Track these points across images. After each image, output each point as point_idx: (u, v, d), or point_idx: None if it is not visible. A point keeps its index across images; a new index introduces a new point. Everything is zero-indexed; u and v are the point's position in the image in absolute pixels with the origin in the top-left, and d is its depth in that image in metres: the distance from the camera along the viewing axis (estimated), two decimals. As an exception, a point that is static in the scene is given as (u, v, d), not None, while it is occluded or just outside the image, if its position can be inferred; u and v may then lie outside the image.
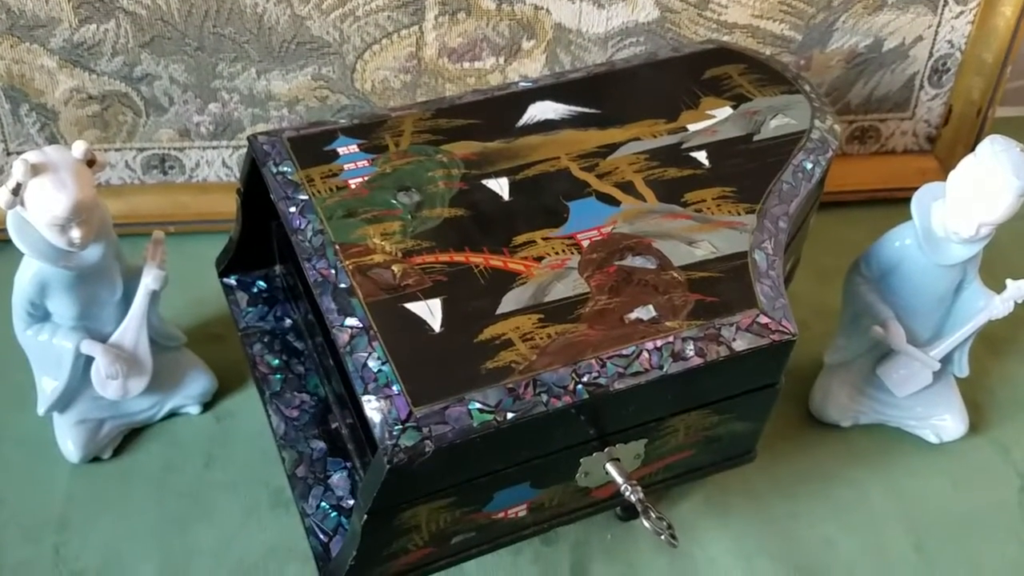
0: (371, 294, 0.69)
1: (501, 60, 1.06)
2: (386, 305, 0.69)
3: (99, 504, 0.86)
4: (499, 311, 0.69)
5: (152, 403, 0.90)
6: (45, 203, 0.74)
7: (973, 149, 0.82)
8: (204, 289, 1.01)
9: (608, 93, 0.87)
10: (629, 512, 0.86)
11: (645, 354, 0.66)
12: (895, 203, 1.16)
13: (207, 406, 0.94)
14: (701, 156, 0.82)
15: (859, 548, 0.88)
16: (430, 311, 0.69)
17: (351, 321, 0.67)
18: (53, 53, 0.99)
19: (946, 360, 0.92)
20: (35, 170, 0.74)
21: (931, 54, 1.13)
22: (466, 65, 1.06)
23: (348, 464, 0.76)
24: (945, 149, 1.20)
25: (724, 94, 0.88)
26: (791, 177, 0.81)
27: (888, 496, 0.92)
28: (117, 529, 0.85)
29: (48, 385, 0.86)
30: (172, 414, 0.93)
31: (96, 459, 0.89)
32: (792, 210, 0.79)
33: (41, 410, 0.86)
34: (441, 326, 0.68)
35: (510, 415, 0.63)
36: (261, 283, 0.90)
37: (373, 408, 0.63)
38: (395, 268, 0.71)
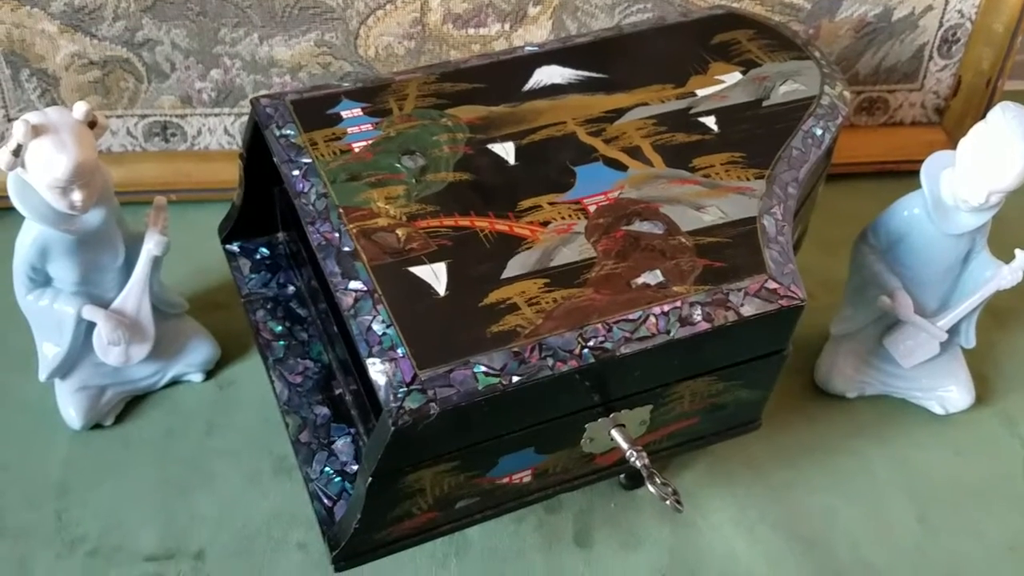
0: (375, 258, 0.68)
1: (506, 26, 1.04)
2: (391, 269, 0.68)
3: (100, 471, 0.86)
4: (504, 275, 0.68)
5: (154, 370, 0.90)
6: (46, 165, 0.73)
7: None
8: (206, 258, 1.01)
9: (615, 58, 0.86)
10: (633, 481, 0.85)
11: (652, 319, 0.66)
12: (902, 175, 1.15)
13: (209, 374, 0.93)
14: (710, 121, 0.81)
15: (861, 518, 0.87)
16: (435, 275, 0.68)
17: (355, 284, 0.67)
18: (54, 17, 0.98)
19: (953, 331, 0.91)
20: (36, 131, 0.73)
21: (941, 24, 1.12)
22: (471, 31, 1.04)
23: (352, 430, 0.76)
24: (953, 121, 1.19)
25: (733, 59, 0.87)
26: (801, 143, 0.80)
27: (892, 467, 0.91)
28: (118, 495, 0.84)
29: (49, 351, 0.85)
30: (174, 382, 0.92)
31: (97, 426, 0.89)
32: (802, 176, 0.78)
33: (42, 376, 0.86)
34: (446, 290, 0.67)
35: (515, 379, 0.62)
36: (264, 250, 0.89)
37: (378, 371, 0.62)
38: (399, 232, 0.70)
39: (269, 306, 0.85)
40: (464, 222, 0.72)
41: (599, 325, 0.65)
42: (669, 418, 0.73)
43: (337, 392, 0.79)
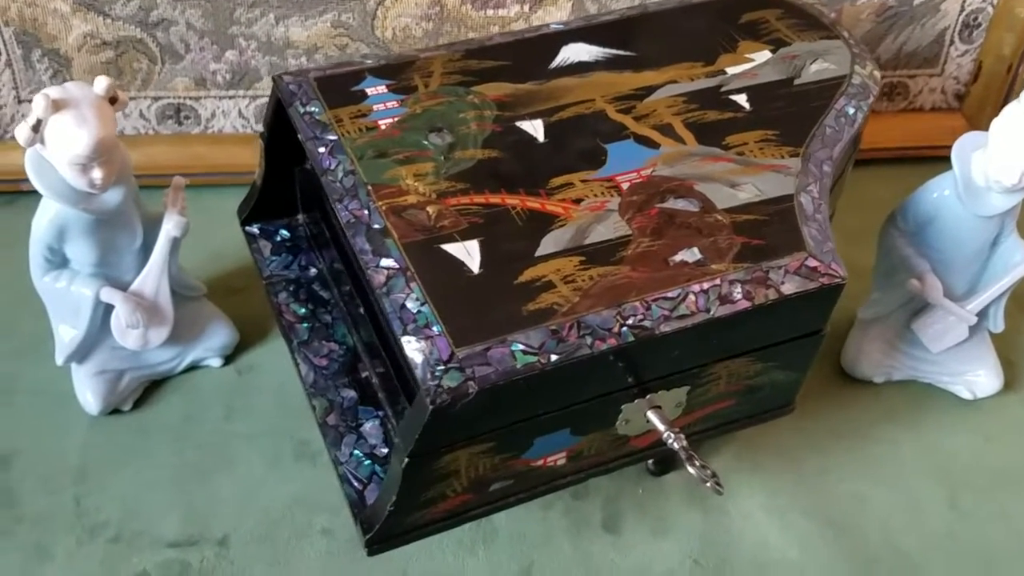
0: (406, 235, 0.67)
1: (526, 7, 1.03)
2: (422, 246, 0.66)
3: (119, 456, 0.84)
4: (538, 253, 0.67)
5: (173, 355, 0.88)
6: (66, 140, 0.71)
7: (1003, 107, 0.80)
8: (222, 242, 0.99)
9: (642, 36, 0.85)
10: (661, 466, 0.84)
11: (691, 296, 0.64)
12: (922, 161, 1.14)
13: (228, 359, 0.92)
14: (741, 99, 0.79)
15: (892, 504, 0.86)
16: (467, 252, 0.66)
17: (387, 262, 0.65)
18: (67, -4, 0.97)
19: (981, 315, 0.90)
20: (56, 106, 0.71)
21: (962, 8, 1.11)
22: (489, 12, 1.03)
23: (380, 413, 0.74)
24: (974, 107, 1.17)
25: (762, 38, 0.86)
26: (834, 121, 0.79)
27: (921, 453, 0.90)
28: (138, 481, 0.83)
29: (66, 334, 0.83)
30: (193, 366, 0.90)
31: (115, 411, 0.87)
32: (836, 154, 0.76)
33: (60, 360, 0.84)
34: (480, 267, 0.65)
35: (554, 357, 0.61)
36: (284, 232, 0.88)
37: (414, 349, 0.61)
38: (430, 209, 0.69)
39: (291, 288, 0.83)
40: (495, 199, 0.70)
41: (637, 303, 0.64)
42: (705, 400, 0.72)
43: (363, 375, 0.77)
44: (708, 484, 0.64)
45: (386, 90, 0.78)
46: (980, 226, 0.86)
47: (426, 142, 0.74)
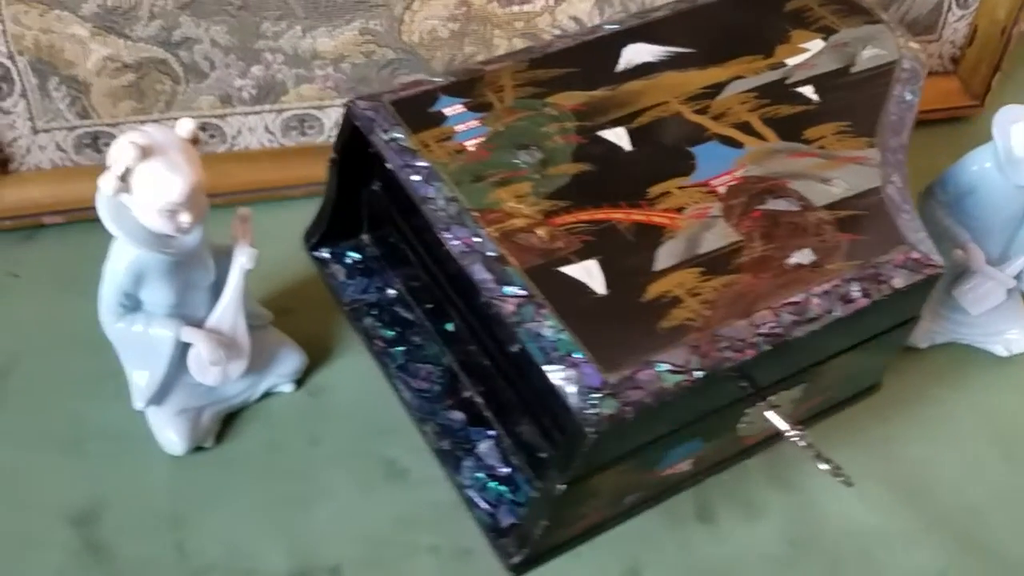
0: (524, 260, 0.67)
1: (551, 1, 1.02)
2: (543, 270, 0.67)
3: (210, 494, 0.83)
4: (656, 267, 0.68)
5: (247, 385, 0.87)
6: (158, 188, 0.69)
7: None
8: (266, 263, 0.97)
9: (697, 31, 0.86)
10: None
11: (815, 300, 0.66)
12: (921, 125, 1.17)
13: (298, 383, 0.91)
14: (808, 91, 0.81)
15: (954, 462, 0.90)
16: (588, 273, 0.67)
17: (511, 290, 0.65)
18: (85, 20, 0.93)
19: (1017, 278, 0.94)
20: (143, 153, 0.69)
21: (960, -27, 1.14)
22: (515, 9, 1.02)
23: (492, 433, 0.75)
24: (968, 69, 1.21)
25: (811, 26, 0.87)
26: (896, 108, 0.81)
27: (970, 410, 0.95)
28: (235, 517, 0.82)
29: (141, 378, 0.82)
30: (266, 394, 0.89)
31: (197, 449, 0.85)
32: (905, 141, 0.79)
33: (140, 404, 0.82)
34: (605, 288, 0.66)
35: (698, 373, 0.62)
36: (353, 254, 0.87)
37: (561, 378, 0.61)
38: (540, 231, 0.69)
39: (375, 312, 0.83)
40: (599, 215, 0.71)
41: (767, 311, 0.65)
42: (813, 393, 0.74)
43: (466, 395, 0.77)
44: (840, 479, 0.67)
45: (463, 109, 0.77)
46: (1018, 195, 0.89)
47: (517, 161, 0.74)
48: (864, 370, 0.77)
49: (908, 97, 0.82)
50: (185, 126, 0.71)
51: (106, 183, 0.69)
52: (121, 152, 0.68)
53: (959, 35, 1.19)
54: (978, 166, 0.90)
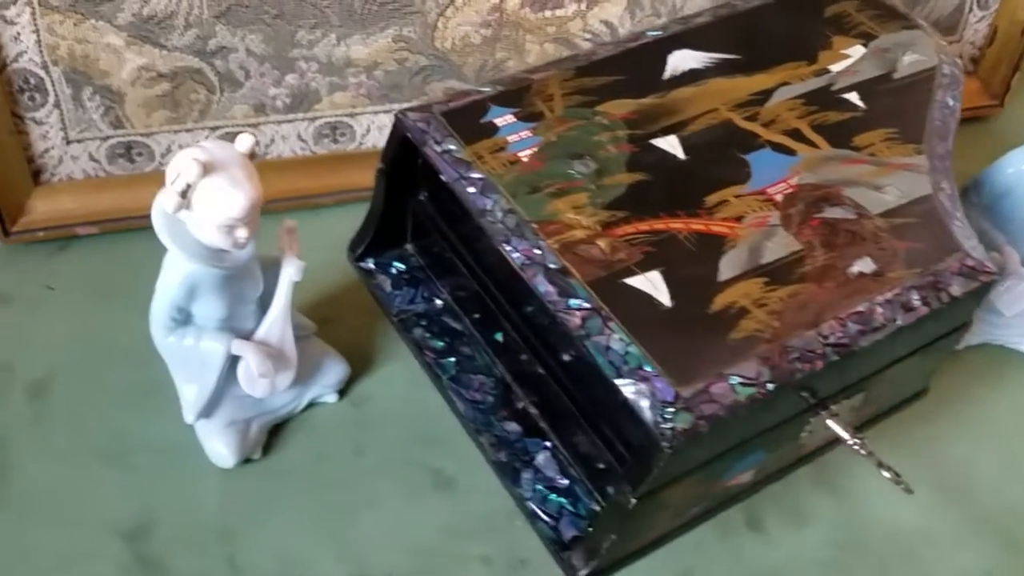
0: (587, 272, 0.67)
1: (583, 5, 1.02)
2: (606, 282, 0.67)
3: (260, 506, 0.83)
4: (721, 278, 0.68)
5: (293, 396, 0.87)
6: (219, 204, 0.69)
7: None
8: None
9: (740, 37, 0.86)
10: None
11: (878, 309, 0.67)
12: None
13: (341, 393, 0.91)
14: (854, 97, 0.81)
15: (995, 462, 0.91)
16: (653, 285, 0.67)
17: (576, 302, 0.65)
18: (121, 29, 0.92)
19: (1049, 278, 0.95)
20: (204, 169, 0.68)
21: (981, -26, 1.15)
22: (547, 14, 1.02)
23: (548, 443, 0.75)
24: (988, 70, 1.22)
25: (850, 32, 0.88)
26: (939, 114, 0.81)
27: (1010, 409, 0.96)
28: (285, 529, 0.82)
29: (191, 392, 0.81)
30: (310, 404, 0.89)
31: (246, 461, 0.85)
32: (950, 147, 0.79)
33: (190, 419, 0.82)
34: (670, 299, 0.66)
35: (770, 385, 0.63)
36: (398, 264, 0.86)
37: (633, 392, 0.61)
38: (601, 243, 0.69)
39: (423, 323, 0.83)
40: (659, 225, 0.71)
41: (833, 321, 0.66)
42: (871, 400, 0.75)
43: (519, 405, 0.78)
44: (902, 487, 0.67)
45: (514, 119, 0.77)
46: (1055, 197, 0.91)
47: (572, 171, 0.74)
48: (915, 376, 0.77)
49: (951, 103, 0.82)
50: (245, 142, 0.70)
51: (168, 200, 0.68)
52: (183, 168, 0.68)
53: (979, 36, 1.20)
54: (1014, 168, 0.90)
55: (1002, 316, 0.98)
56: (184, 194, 0.68)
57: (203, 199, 0.69)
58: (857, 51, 0.86)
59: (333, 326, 0.95)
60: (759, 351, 0.63)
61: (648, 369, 0.62)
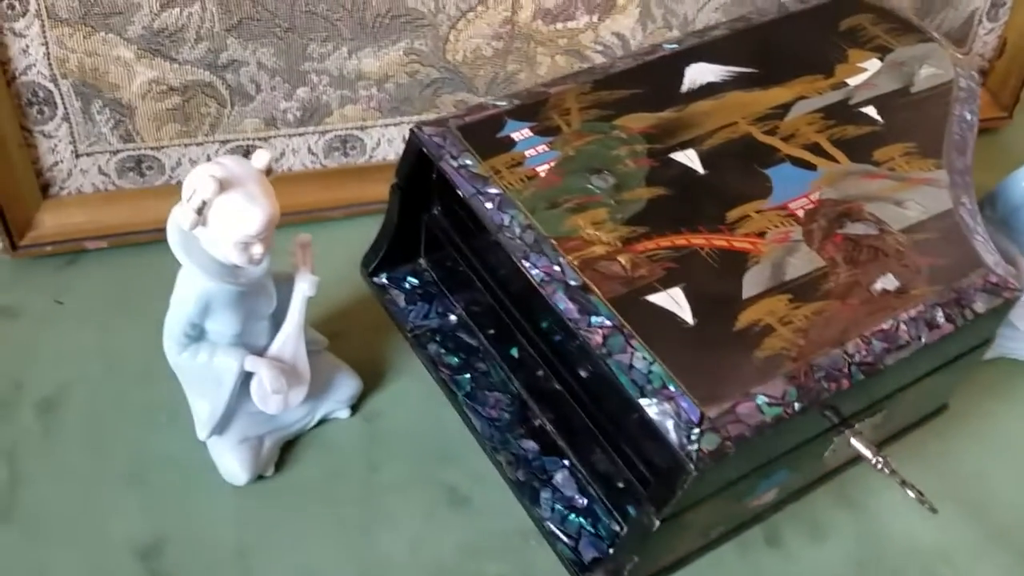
0: (608, 290, 0.66)
1: (595, 18, 1.02)
2: (628, 300, 0.66)
3: (275, 524, 0.82)
4: (745, 295, 0.67)
5: (305, 412, 0.86)
6: (236, 220, 0.68)
7: None
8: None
9: (756, 50, 0.85)
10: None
11: (903, 326, 0.66)
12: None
13: (353, 408, 0.90)
14: (871, 111, 0.81)
15: (1008, 476, 0.91)
16: (675, 302, 0.66)
17: (598, 320, 0.65)
18: (131, 43, 0.91)
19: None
20: (221, 186, 0.68)
21: (992, -12, 1.15)
22: (559, 26, 1.02)
23: (566, 461, 0.74)
24: (998, 82, 1.22)
25: (866, 46, 0.87)
26: (957, 128, 0.81)
27: (1022, 423, 0.95)
28: (301, 547, 0.81)
29: (203, 408, 0.80)
30: (321, 420, 0.88)
31: (258, 478, 0.84)
32: (969, 162, 0.79)
33: (203, 435, 0.81)
34: (693, 317, 0.66)
35: (797, 405, 0.62)
36: (412, 279, 0.86)
37: (658, 412, 0.61)
38: (621, 259, 0.69)
39: (438, 338, 0.82)
40: (680, 241, 0.70)
41: (858, 339, 0.65)
42: (893, 417, 0.74)
43: (536, 423, 0.77)
44: (926, 506, 0.66)
45: (531, 133, 0.77)
46: (1066, 210, 0.90)
47: (590, 186, 0.73)
48: (937, 392, 0.77)
49: (968, 116, 0.82)
50: (261, 158, 0.69)
51: (184, 217, 0.68)
52: (199, 185, 0.67)
53: (988, 48, 1.20)
54: (1027, 181, 0.90)
55: (1016, 330, 0.97)
56: (200, 211, 0.67)
57: (219, 216, 0.68)
58: (873, 64, 0.85)
59: (344, 341, 0.94)
60: (785, 370, 0.63)
61: (672, 388, 0.61)
